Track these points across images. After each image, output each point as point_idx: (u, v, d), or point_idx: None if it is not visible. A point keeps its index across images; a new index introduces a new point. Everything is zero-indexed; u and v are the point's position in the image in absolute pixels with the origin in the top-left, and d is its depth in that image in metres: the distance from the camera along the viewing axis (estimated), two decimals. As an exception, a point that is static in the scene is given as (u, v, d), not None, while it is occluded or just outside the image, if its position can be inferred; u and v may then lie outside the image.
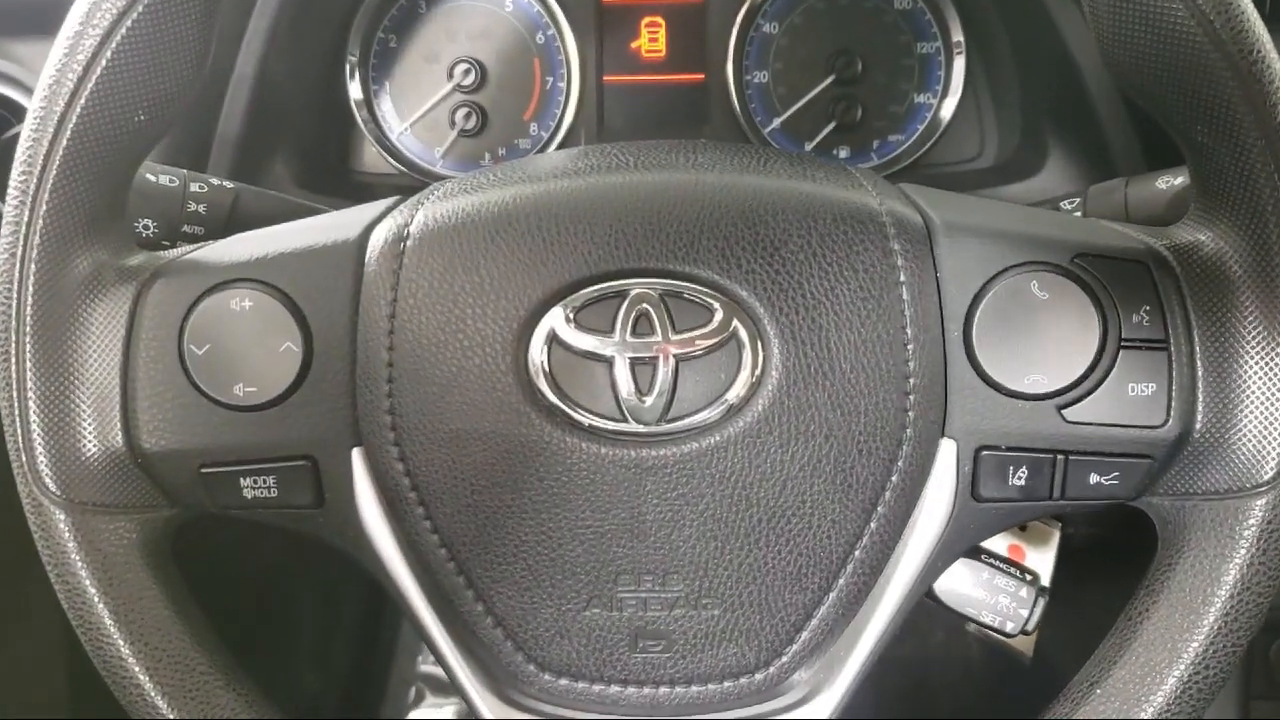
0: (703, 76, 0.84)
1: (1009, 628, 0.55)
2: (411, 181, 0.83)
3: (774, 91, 0.83)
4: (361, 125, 0.82)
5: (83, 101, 0.46)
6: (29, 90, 0.75)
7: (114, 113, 0.46)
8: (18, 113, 0.76)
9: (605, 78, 0.84)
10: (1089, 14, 0.48)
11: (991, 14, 0.78)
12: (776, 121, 0.83)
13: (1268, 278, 0.45)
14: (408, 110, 0.83)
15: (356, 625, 1.51)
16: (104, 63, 0.46)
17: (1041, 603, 0.56)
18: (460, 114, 0.83)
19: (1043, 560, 0.70)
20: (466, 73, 0.82)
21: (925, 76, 0.81)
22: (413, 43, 0.83)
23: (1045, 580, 0.66)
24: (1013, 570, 0.56)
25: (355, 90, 0.82)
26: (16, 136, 0.75)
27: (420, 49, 0.83)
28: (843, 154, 0.82)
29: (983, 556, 0.56)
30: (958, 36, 0.79)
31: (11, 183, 0.47)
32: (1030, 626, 0.55)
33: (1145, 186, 0.60)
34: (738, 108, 0.82)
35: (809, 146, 0.82)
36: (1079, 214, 0.62)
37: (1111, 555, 0.91)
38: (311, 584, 1.38)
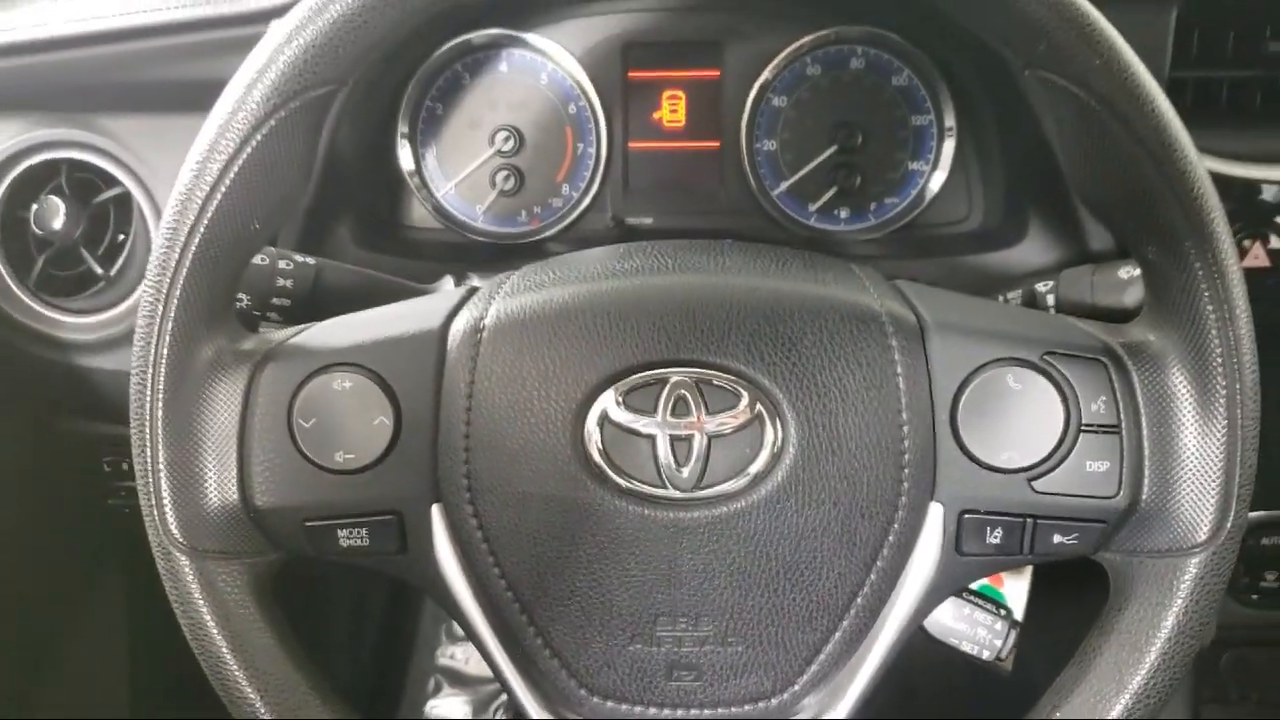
0: (718, 144, 0.90)
1: (985, 655, 0.64)
2: (456, 237, 0.90)
3: (782, 158, 0.89)
4: (412, 187, 0.90)
5: (208, 216, 0.53)
6: (114, 159, 0.83)
7: (234, 224, 0.54)
8: (106, 179, 0.83)
9: (630, 144, 0.90)
10: (1056, 142, 0.56)
11: (980, 95, 0.85)
12: (784, 185, 0.89)
13: (1204, 376, 0.53)
14: (452, 171, 0.90)
15: (381, 623, 1.59)
16: (227, 183, 0.53)
17: (1014, 634, 0.64)
18: (500, 176, 0.90)
19: (1018, 588, 0.79)
20: (506, 139, 0.89)
21: (919, 146, 0.88)
22: (457, 111, 0.90)
23: (1019, 608, 0.74)
24: (989, 606, 0.64)
25: (406, 159, 0.89)
26: (108, 200, 0.83)
27: (464, 117, 0.90)
28: (843, 214, 0.90)
29: (964, 594, 0.65)
30: (949, 119, 0.86)
31: (146, 280, 0.55)
32: (1004, 655, 0.63)
33: (1109, 275, 0.68)
34: (749, 173, 0.89)
35: (813, 208, 0.89)
36: (1052, 297, 0.70)
37: (1081, 582, 1.00)
38: (342, 588, 1.46)
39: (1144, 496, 0.54)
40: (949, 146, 0.87)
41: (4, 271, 0.84)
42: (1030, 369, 0.55)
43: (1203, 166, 0.52)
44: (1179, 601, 0.55)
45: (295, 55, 0.52)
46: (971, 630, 0.64)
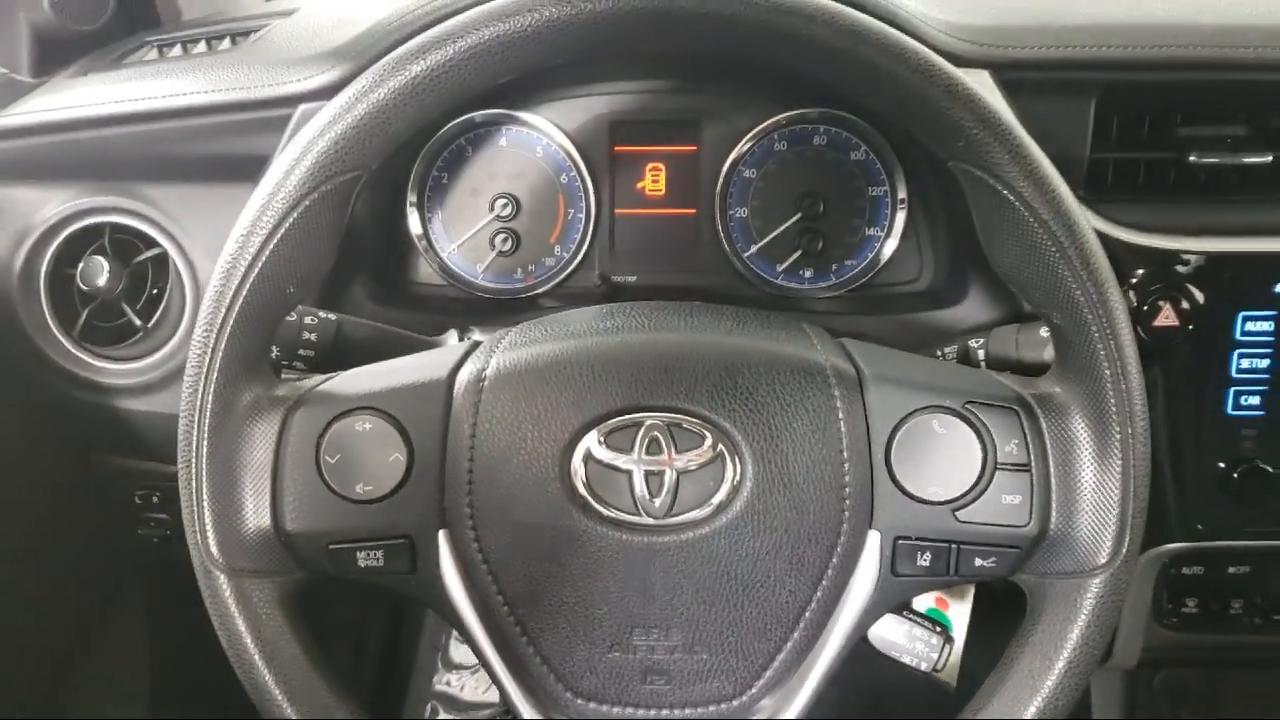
0: (695, 211, 0.97)
1: (924, 667, 0.71)
2: (459, 293, 0.98)
3: (752, 224, 0.97)
4: (420, 249, 0.98)
5: (250, 282, 0.62)
6: (153, 223, 0.90)
7: (271, 289, 0.62)
8: (145, 241, 0.91)
9: (616, 210, 0.98)
10: (975, 220, 0.65)
11: (927, 171, 0.94)
12: (754, 248, 0.97)
13: (1101, 423, 0.61)
14: (456, 234, 0.98)
15: (379, 653, 1.66)
16: (267, 254, 0.61)
17: (949, 649, 0.72)
18: (498, 238, 0.97)
19: (961, 610, 0.87)
20: (504, 205, 0.97)
21: (875, 215, 0.96)
22: (460, 180, 0.97)
23: (963, 626, 0.82)
24: (927, 624, 0.72)
25: (415, 223, 0.96)
26: (147, 260, 0.91)
27: (467, 186, 0.97)
28: (807, 274, 0.97)
29: (905, 613, 0.73)
30: (902, 191, 0.93)
31: (195, 336, 0.63)
32: (939, 666, 0.71)
33: (1031, 333, 0.76)
34: (723, 237, 0.96)
35: (780, 268, 0.96)
36: (982, 352, 0.78)
37: (1021, 608, 1.08)
38: (342, 619, 1.53)
39: (1051, 526, 0.62)
40: (901, 216, 0.95)
41: (51, 322, 0.91)
42: (954, 415, 0.63)
43: (1099, 245, 0.61)
44: (1083, 616, 0.63)
45: (327, 146, 0.61)
46: (910, 644, 0.71)
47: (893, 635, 0.72)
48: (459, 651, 1.69)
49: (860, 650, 0.67)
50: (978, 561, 0.63)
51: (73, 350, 0.93)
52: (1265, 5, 0.86)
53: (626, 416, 0.62)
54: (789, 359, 0.64)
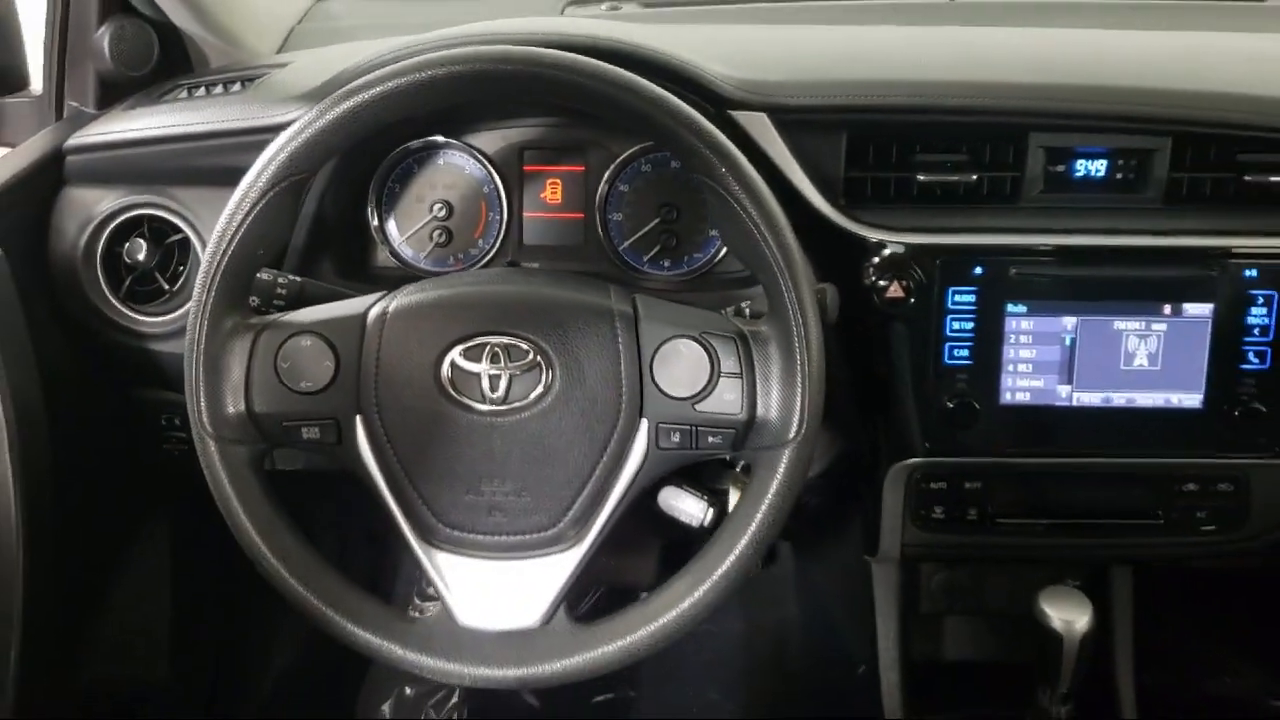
0: (583, 215, 1.18)
1: (694, 523, 1.00)
2: (405, 273, 1.20)
3: (625, 226, 1.17)
4: (376, 240, 1.24)
5: (233, 246, 0.88)
6: (179, 215, 1.16)
7: (247, 251, 0.90)
8: (173, 229, 1.17)
9: (525, 214, 1.18)
10: (712, 216, 0.93)
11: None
12: (626, 244, 1.17)
13: (788, 349, 0.87)
14: (404, 230, 1.20)
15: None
16: (244, 229, 0.88)
17: (713, 511, 1.00)
18: (436, 234, 1.18)
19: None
20: (440, 209, 1.18)
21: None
22: (408, 189, 1.19)
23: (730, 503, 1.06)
24: (697, 493, 1.00)
25: (374, 221, 1.20)
26: (175, 243, 1.22)
27: (412, 193, 1.19)
28: (666, 264, 1.16)
29: (684, 485, 1.01)
30: None
31: (197, 281, 0.90)
32: (706, 523, 1.00)
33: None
34: (603, 236, 1.17)
35: (645, 259, 1.16)
36: (749, 308, 1.05)
37: (838, 518, 1.35)
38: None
39: (757, 414, 0.89)
40: None
41: (103, 286, 1.18)
42: (694, 340, 0.89)
43: (790, 230, 0.88)
44: (779, 475, 0.89)
45: (285, 158, 0.89)
46: (684, 506, 1.00)
47: (674, 500, 1.01)
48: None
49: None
50: (710, 439, 0.90)
51: (119, 306, 1.18)
52: (982, 59, 1.14)
53: (479, 339, 0.91)
54: (589, 304, 0.93)
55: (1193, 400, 1.10)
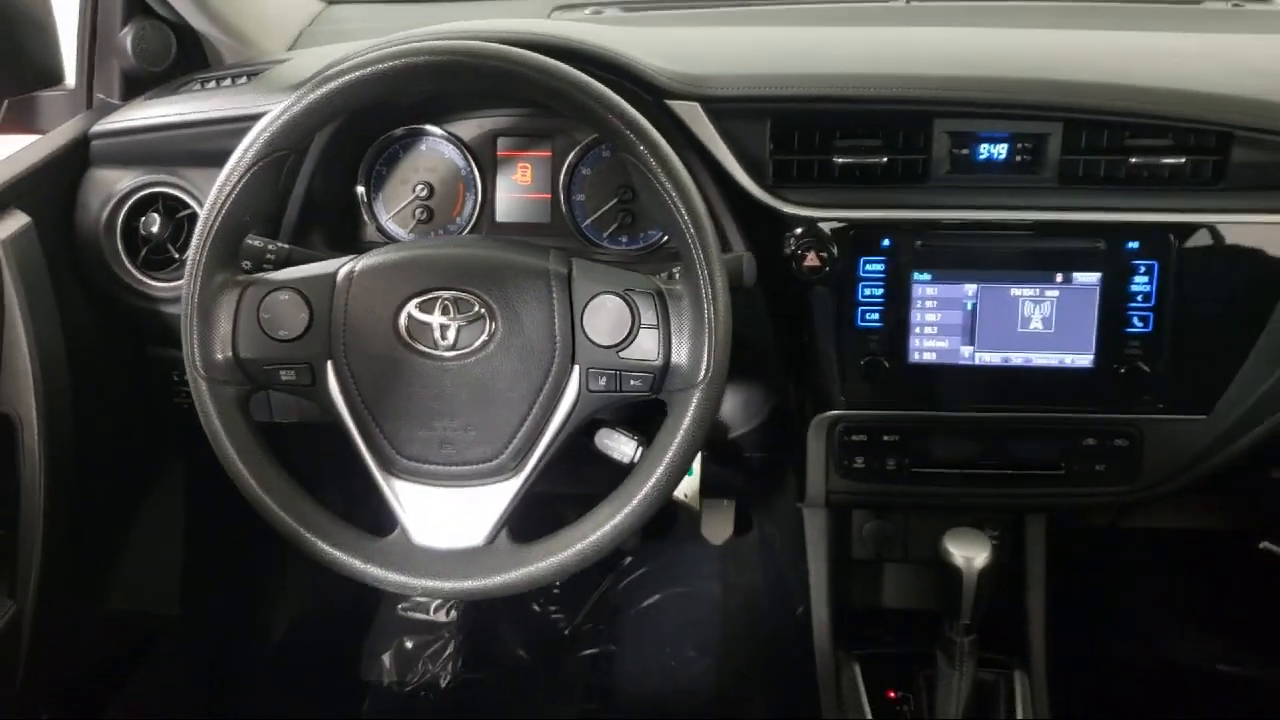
0: (549, 196, 1.29)
1: (625, 460, 1.12)
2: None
3: (587, 205, 1.28)
4: (365, 216, 1.39)
5: (223, 212, 1.01)
6: (188, 192, 1.29)
7: (235, 217, 1.02)
8: (183, 205, 1.31)
9: (498, 194, 1.30)
10: (637, 189, 1.05)
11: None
12: (588, 221, 1.28)
13: (697, 304, 0.98)
14: (390, 208, 1.32)
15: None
16: (232, 198, 1.00)
17: (640, 449, 1.12)
18: (418, 211, 1.30)
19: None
20: (422, 189, 1.30)
21: (669, 200, 1.37)
22: (394, 171, 1.31)
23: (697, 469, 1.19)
24: (628, 434, 1.12)
25: (363, 198, 1.34)
26: (185, 217, 1.36)
27: (398, 175, 1.31)
28: (624, 239, 1.28)
29: (618, 428, 1.14)
30: None
31: (192, 243, 1.04)
32: (634, 460, 1.11)
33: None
34: (567, 214, 1.28)
35: (605, 234, 1.28)
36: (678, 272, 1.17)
37: (785, 473, 1.46)
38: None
39: (671, 359, 1.00)
40: None
41: (122, 255, 1.31)
42: (618, 296, 1.01)
43: (700, 202, 0.99)
44: (690, 413, 0.99)
45: (267, 137, 1.02)
46: (616, 445, 1.12)
47: (608, 440, 1.13)
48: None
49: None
50: (632, 381, 1.01)
51: (135, 273, 1.30)
52: (896, 54, 1.26)
53: (432, 294, 1.02)
54: (529, 265, 1.04)
55: (1084, 360, 1.20)
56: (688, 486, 1.21)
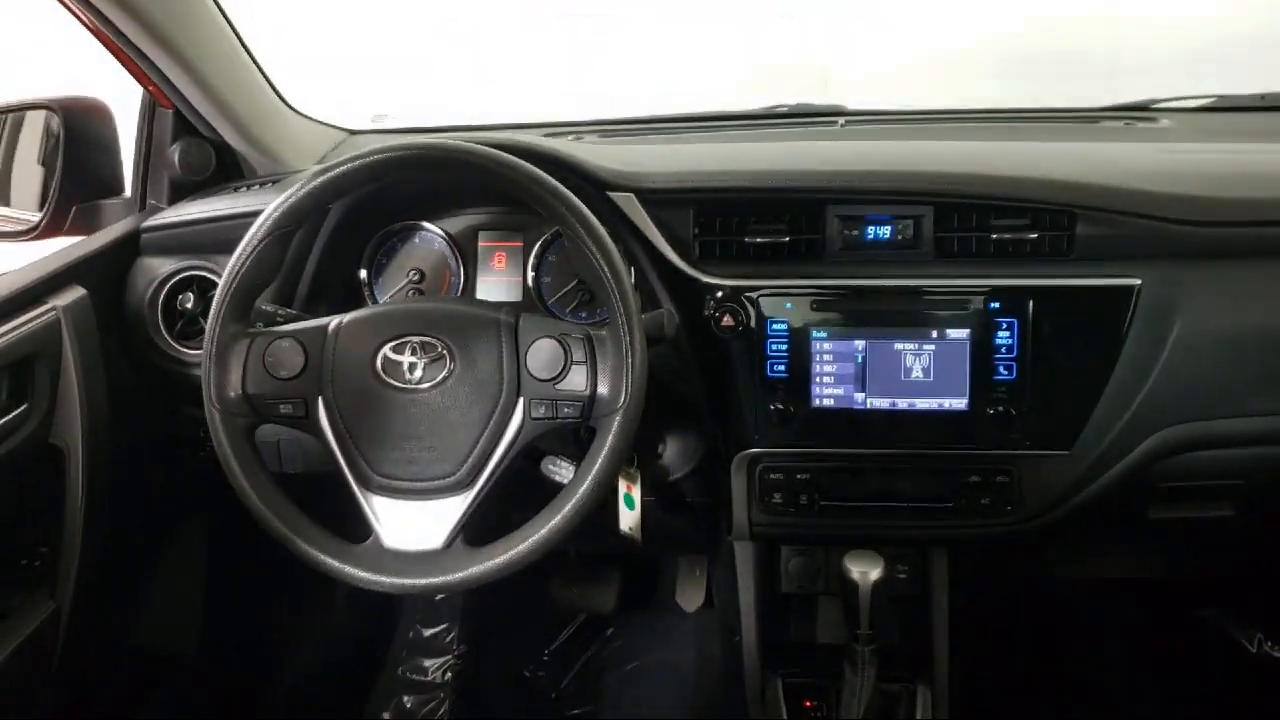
0: (520, 279, 1.50)
1: (566, 481, 1.30)
2: None
3: (552, 285, 1.49)
4: (365, 295, 1.61)
5: (236, 281, 1.24)
6: (218, 275, 1.57)
7: (249, 279, 1.24)
8: (213, 284, 1.57)
9: (479, 278, 1.51)
10: (572, 259, 1.26)
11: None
12: (553, 299, 1.49)
13: (618, 348, 1.18)
14: (387, 290, 1.56)
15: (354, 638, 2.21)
16: (244, 268, 1.24)
17: (572, 469, 1.31)
18: (412, 292, 1.52)
19: (637, 490, 1.45)
20: (415, 275, 1.53)
21: (620, 280, 1.59)
22: (392, 259, 1.53)
23: (636, 501, 1.38)
24: (571, 461, 1.31)
25: (365, 279, 1.57)
26: (203, 278, 1.58)
27: (395, 262, 1.52)
28: (583, 314, 1.48)
29: (560, 458, 1.32)
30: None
31: (213, 303, 1.27)
32: (569, 480, 1.30)
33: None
34: (534, 292, 1.49)
35: (567, 310, 1.48)
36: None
37: (718, 510, 1.63)
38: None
39: (598, 391, 1.20)
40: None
41: (162, 328, 1.54)
42: (554, 339, 1.22)
43: (624, 265, 1.22)
44: (612, 434, 1.18)
45: (276, 217, 1.25)
46: (558, 470, 1.31)
47: (552, 466, 1.32)
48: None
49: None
50: (566, 409, 1.21)
51: (172, 343, 1.50)
52: (799, 155, 1.48)
53: (403, 338, 1.24)
54: (483, 316, 1.25)
55: (960, 404, 1.38)
56: (631, 520, 1.39)
